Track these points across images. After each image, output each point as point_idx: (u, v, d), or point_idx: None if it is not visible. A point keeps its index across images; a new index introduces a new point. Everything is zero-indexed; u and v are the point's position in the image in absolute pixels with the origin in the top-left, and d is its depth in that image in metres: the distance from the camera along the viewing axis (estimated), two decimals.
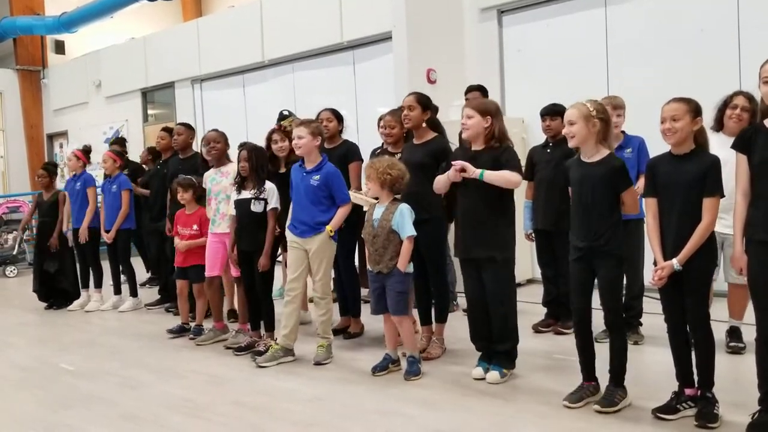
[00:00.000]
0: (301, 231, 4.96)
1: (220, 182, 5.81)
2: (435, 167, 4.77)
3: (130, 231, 7.65)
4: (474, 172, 4.17)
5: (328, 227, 4.91)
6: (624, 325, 3.90)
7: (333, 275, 6.01)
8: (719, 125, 4.77)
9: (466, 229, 4.41)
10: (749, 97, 4.65)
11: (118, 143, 8.75)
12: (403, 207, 4.55)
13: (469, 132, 4.34)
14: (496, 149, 4.30)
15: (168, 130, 7.79)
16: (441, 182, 4.43)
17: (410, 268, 4.59)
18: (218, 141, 5.89)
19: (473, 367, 4.52)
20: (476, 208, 4.31)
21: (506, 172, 4.19)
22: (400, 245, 4.52)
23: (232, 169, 5.75)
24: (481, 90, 6.43)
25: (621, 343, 3.82)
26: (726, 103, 4.74)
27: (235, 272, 5.66)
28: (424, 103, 4.98)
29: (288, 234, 5.06)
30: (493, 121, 4.30)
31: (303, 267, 4.98)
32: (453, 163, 4.26)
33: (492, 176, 4.18)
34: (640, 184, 4.49)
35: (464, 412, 3.92)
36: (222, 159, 5.93)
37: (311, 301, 5.31)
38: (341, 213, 4.97)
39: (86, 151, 7.90)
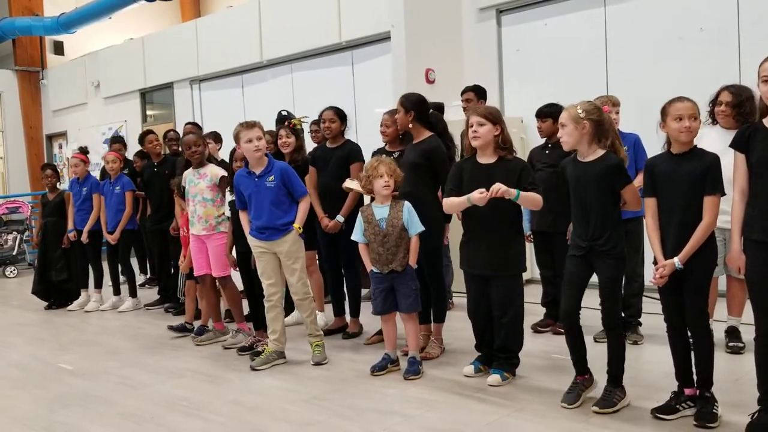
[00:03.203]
0: (267, 235, 4.88)
1: (197, 184, 5.73)
2: (426, 167, 4.78)
3: (132, 231, 7.65)
4: (510, 192, 4.05)
5: (296, 225, 4.88)
6: (622, 326, 3.88)
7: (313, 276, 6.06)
8: (713, 119, 4.78)
9: (476, 246, 4.37)
10: (732, 92, 4.65)
11: (121, 142, 8.71)
12: (408, 204, 4.59)
13: (480, 141, 4.26)
14: (510, 161, 4.27)
15: (155, 133, 7.81)
16: (454, 204, 4.31)
17: (415, 264, 4.64)
18: (198, 143, 5.81)
19: None
20: (490, 227, 4.26)
21: (536, 195, 4.17)
22: (410, 242, 4.57)
23: (210, 171, 5.71)
24: (476, 90, 6.41)
25: (619, 344, 3.80)
26: (715, 99, 4.74)
27: (217, 272, 5.67)
28: (407, 105, 4.95)
29: (252, 240, 4.95)
30: (502, 128, 4.29)
31: (277, 270, 4.96)
32: (482, 194, 4.06)
33: (526, 198, 4.12)
34: (638, 180, 4.49)
35: (462, 411, 3.91)
36: (202, 161, 5.82)
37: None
38: (303, 207, 4.96)
39: (85, 152, 7.91)
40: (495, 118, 4.28)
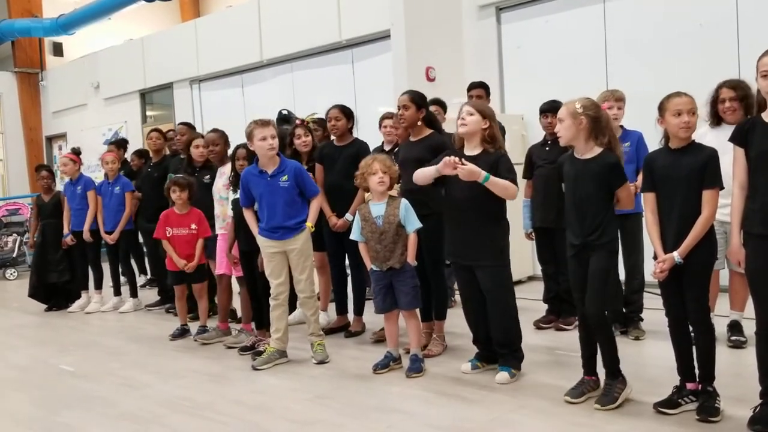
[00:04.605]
0: (280, 235, 4.87)
1: (216, 183, 5.80)
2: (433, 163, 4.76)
3: (131, 232, 7.64)
4: (480, 173, 4.06)
5: (309, 223, 4.89)
6: (606, 318, 3.82)
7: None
8: (717, 120, 4.72)
9: (459, 236, 4.38)
10: (733, 86, 4.63)
11: (117, 144, 8.71)
12: (405, 201, 4.59)
13: (467, 128, 4.29)
14: (492, 154, 4.28)
15: (160, 131, 7.80)
16: (425, 173, 4.31)
17: (415, 261, 4.63)
18: (217, 143, 5.85)
19: None
20: (469, 216, 4.27)
21: (506, 182, 4.16)
22: (407, 239, 4.57)
23: (227, 170, 5.71)
24: (484, 87, 6.40)
25: (606, 336, 3.78)
26: (716, 98, 4.70)
27: (237, 272, 5.65)
28: (418, 102, 4.96)
29: (263, 240, 4.95)
30: (490, 123, 4.30)
31: (286, 269, 4.96)
32: (449, 159, 4.11)
33: (496, 182, 4.12)
34: (641, 179, 4.48)
35: (465, 408, 3.91)
36: (223, 160, 5.87)
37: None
38: (315, 206, 4.98)
39: (78, 152, 7.90)
40: (485, 113, 4.31)
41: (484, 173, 4.08)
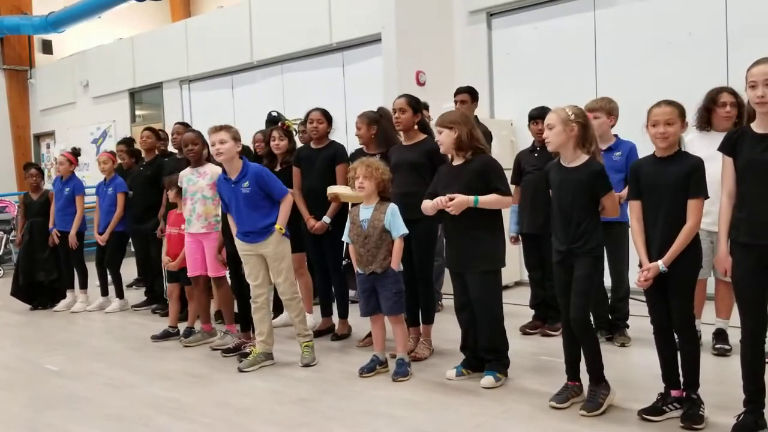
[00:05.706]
0: (251, 238, 4.89)
1: (196, 182, 5.71)
2: (428, 166, 4.77)
3: (123, 233, 7.57)
4: (467, 200, 4.15)
5: (278, 225, 4.87)
6: (590, 324, 3.84)
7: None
8: (707, 124, 4.77)
9: (453, 243, 4.42)
10: (734, 92, 4.68)
11: (126, 143, 8.57)
12: (394, 206, 4.59)
13: (443, 147, 4.39)
14: (474, 161, 4.30)
15: (152, 131, 7.75)
16: (428, 207, 4.34)
17: (400, 267, 4.62)
18: (195, 142, 5.78)
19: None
20: (463, 223, 4.28)
21: (497, 197, 4.21)
22: (392, 244, 4.56)
23: (209, 170, 5.68)
24: (470, 92, 6.44)
25: (590, 342, 3.80)
26: (714, 101, 4.73)
27: (213, 273, 5.64)
28: (415, 106, 4.99)
29: (239, 243, 4.97)
30: (460, 129, 4.29)
31: (263, 271, 4.96)
32: (435, 202, 4.22)
33: (486, 202, 4.18)
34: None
35: (451, 413, 3.91)
36: (200, 160, 5.80)
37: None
38: (285, 208, 4.95)
39: (76, 153, 7.85)
40: (449, 122, 4.33)
41: (472, 199, 4.16)
